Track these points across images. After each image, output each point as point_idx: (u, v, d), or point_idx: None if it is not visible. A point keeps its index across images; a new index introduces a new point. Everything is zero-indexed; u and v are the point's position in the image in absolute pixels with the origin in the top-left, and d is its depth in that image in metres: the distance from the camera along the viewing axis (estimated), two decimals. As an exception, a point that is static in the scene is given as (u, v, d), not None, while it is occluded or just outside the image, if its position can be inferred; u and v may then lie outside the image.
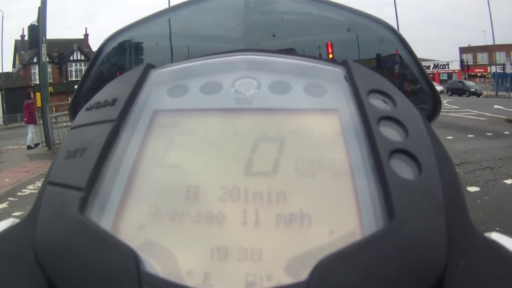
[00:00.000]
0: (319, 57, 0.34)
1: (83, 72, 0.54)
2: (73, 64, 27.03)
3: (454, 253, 0.21)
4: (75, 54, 27.43)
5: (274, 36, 0.54)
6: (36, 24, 7.70)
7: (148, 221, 0.23)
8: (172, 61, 0.36)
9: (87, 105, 0.31)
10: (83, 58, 27.71)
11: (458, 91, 24.91)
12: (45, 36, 7.78)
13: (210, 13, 0.57)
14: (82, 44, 28.17)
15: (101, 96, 0.31)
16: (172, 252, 0.21)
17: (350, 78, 0.30)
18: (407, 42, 0.50)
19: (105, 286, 0.19)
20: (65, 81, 23.10)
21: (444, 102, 17.42)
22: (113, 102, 0.29)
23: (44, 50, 7.72)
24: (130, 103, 0.29)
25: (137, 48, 0.58)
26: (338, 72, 0.32)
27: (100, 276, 0.19)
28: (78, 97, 0.52)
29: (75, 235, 0.21)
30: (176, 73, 0.33)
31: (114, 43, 0.55)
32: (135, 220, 0.23)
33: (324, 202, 0.23)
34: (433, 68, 35.45)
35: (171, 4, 0.57)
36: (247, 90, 0.30)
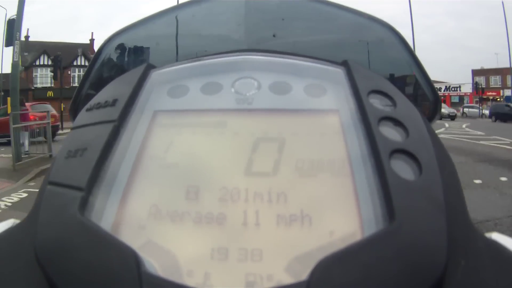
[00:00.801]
0: (319, 58, 0.34)
1: (84, 73, 0.54)
2: (76, 70, 25.74)
3: (455, 253, 0.21)
4: (78, 59, 26.33)
5: (274, 36, 0.54)
6: (15, 18, 6.82)
7: (148, 222, 0.23)
8: (172, 62, 0.36)
9: (88, 105, 0.31)
10: (87, 63, 26.94)
11: (503, 116, 20.81)
12: (20, 32, 6.95)
13: (211, 13, 0.57)
14: (87, 49, 27.07)
15: (101, 96, 0.31)
16: (173, 252, 0.21)
17: (350, 78, 0.30)
18: (407, 42, 0.50)
19: (105, 286, 0.19)
20: (63, 87, 22.26)
21: (463, 126, 15.53)
22: (114, 102, 0.29)
23: (17, 48, 6.82)
24: (130, 104, 0.29)
25: (137, 49, 0.58)
26: (339, 72, 0.32)
27: (100, 276, 0.19)
28: (79, 97, 0.52)
29: (75, 236, 0.21)
30: (176, 74, 0.33)
31: (114, 44, 0.55)
32: (135, 221, 0.23)
33: (324, 202, 0.23)
34: (444, 90, 33.99)
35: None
36: (248, 91, 0.30)
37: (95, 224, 0.21)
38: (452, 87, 35.28)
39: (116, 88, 0.32)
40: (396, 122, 0.26)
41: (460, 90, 34.49)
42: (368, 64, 0.51)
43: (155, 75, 0.33)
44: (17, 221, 0.28)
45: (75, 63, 26.15)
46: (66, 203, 0.22)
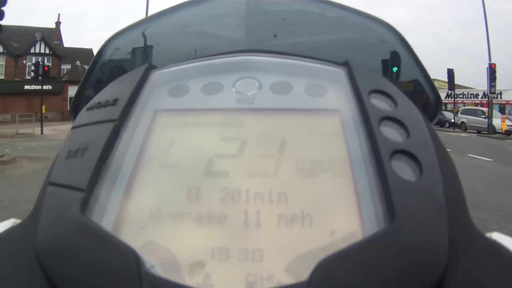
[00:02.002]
0: (320, 58, 0.35)
1: (85, 73, 0.53)
2: (33, 58, 19.96)
3: (455, 253, 0.21)
4: (37, 45, 21.20)
5: (275, 36, 0.54)
6: None
7: (149, 222, 0.23)
8: (173, 62, 0.36)
9: (88, 105, 0.31)
10: (48, 51, 21.18)
11: None
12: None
13: (211, 13, 0.57)
14: (51, 34, 21.90)
15: (102, 96, 0.31)
16: (173, 252, 0.21)
17: (351, 78, 0.31)
18: (408, 42, 0.51)
19: (106, 287, 0.19)
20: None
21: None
22: (114, 102, 0.29)
23: None
24: (131, 103, 0.29)
25: (138, 49, 0.58)
26: (339, 72, 0.32)
27: (101, 276, 0.19)
28: (79, 97, 0.52)
29: (76, 236, 0.21)
30: (177, 74, 0.33)
31: (115, 44, 0.54)
32: (136, 221, 0.23)
33: (325, 202, 0.23)
34: (482, 97, 26.52)
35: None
36: (248, 91, 0.30)
37: (96, 224, 0.21)
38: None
39: (117, 87, 0.32)
40: (397, 122, 0.26)
41: (501, 98, 27.22)
42: (369, 64, 0.53)
43: (155, 75, 0.33)
44: (18, 221, 0.29)
45: (32, 51, 21.17)
46: (67, 204, 0.22)
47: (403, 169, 0.23)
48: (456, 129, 17.58)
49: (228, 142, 0.27)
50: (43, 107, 14.58)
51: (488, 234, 0.26)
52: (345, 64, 0.33)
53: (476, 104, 24.38)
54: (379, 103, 0.28)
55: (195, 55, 0.39)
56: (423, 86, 0.50)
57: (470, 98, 26.24)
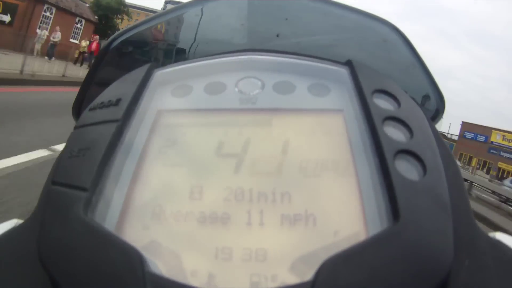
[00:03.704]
0: (323, 57, 0.35)
1: (87, 73, 0.54)
2: None
3: (459, 253, 0.21)
4: None
5: (278, 36, 0.54)
6: None
7: (152, 222, 0.23)
8: (175, 61, 0.36)
9: (91, 105, 0.31)
10: None
11: None
12: None
13: (214, 13, 0.57)
14: None
15: (104, 96, 0.31)
16: (177, 252, 0.21)
17: (354, 78, 0.31)
18: (411, 42, 0.50)
19: (109, 286, 0.19)
20: None
21: None
22: (117, 102, 0.29)
23: None
24: (134, 103, 0.29)
25: (141, 49, 0.58)
26: (342, 72, 0.32)
27: (104, 276, 0.19)
28: (82, 97, 0.51)
29: (79, 236, 0.21)
30: (180, 73, 0.33)
31: (118, 44, 0.54)
32: (139, 221, 0.23)
33: (328, 202, 0.23)
34: None
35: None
36: (251, 90, 0.30)
37: (99, 224, 0.21)
38: None
39: (120, 87, 0.32)
40: (401, 122, 0.26)
41: None
42: (371, 63, 0.52)
43: (158, 75, 0.33)
44: (20, 221, 0.28)
45: None
46: (70, 203, 0.22)
47: (406, 169, 0.23)
48: None
49: (231, 142, 0.27)
50: None
51: (491, 234, 0.26)
52: (348, 64, 0.33)
53: None
54: (383, 103, 0.28)
55: (198, 55, 0.39)
56: (426, 86, 0.50)
57: None
